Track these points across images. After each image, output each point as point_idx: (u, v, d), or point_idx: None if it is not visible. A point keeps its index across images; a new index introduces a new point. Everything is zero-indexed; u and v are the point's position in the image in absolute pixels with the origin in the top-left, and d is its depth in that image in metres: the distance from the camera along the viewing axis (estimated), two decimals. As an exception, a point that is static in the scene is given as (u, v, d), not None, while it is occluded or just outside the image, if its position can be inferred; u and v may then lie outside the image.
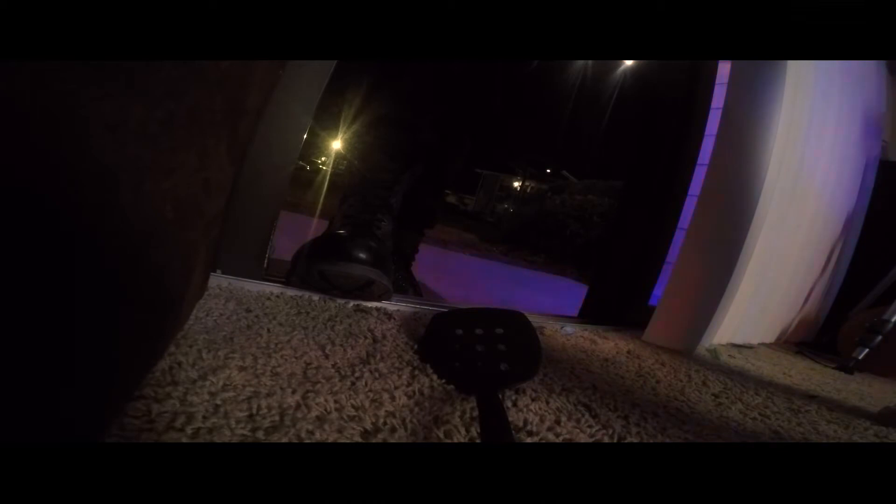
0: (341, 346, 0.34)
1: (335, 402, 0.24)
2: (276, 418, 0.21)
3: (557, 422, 0.29)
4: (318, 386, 0.26)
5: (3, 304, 0.11)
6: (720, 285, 0.65)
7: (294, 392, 0.24)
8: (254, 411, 0.21)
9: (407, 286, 0.73)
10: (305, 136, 0.48)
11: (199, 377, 0.23)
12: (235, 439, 0.19)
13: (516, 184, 10.68)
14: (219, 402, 0.21)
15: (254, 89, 0.21)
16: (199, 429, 0.19)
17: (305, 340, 0.33)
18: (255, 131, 0.22)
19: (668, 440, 0.31)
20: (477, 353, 0.35)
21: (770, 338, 1.03)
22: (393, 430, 0.23)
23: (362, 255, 0.46)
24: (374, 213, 0.55)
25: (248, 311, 0.37)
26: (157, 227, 0.15)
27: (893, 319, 0.87)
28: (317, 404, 0.23)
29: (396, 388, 0.28)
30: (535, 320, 0.56)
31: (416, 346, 0.38)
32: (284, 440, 0.20)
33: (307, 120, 0.48)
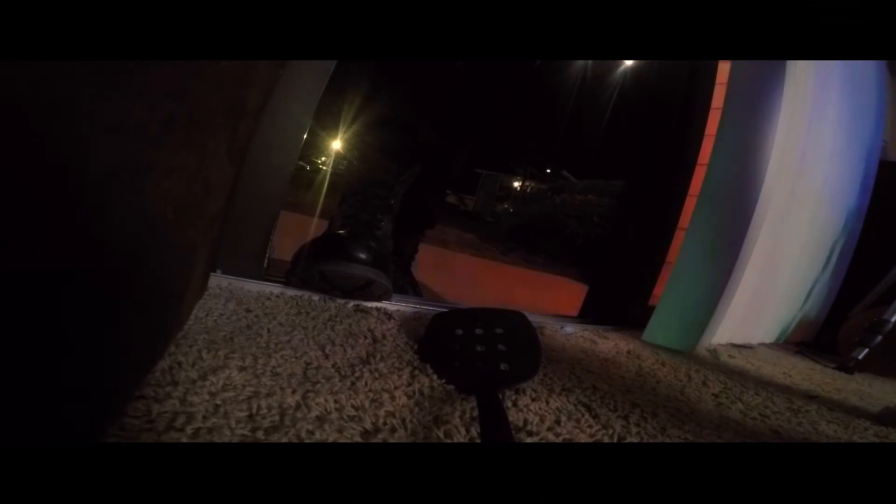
0: (341, 346, 0.34)
1: (335, 402, 0.24)
2: (276, 418, 0.21)
3: (557, 422, 0.29)
4: (318, 386, 0.26)
5: (3, 305, 0.11)
6: (720, 285, 0.65)
7: (294, 392, 0.24)
8: (254, 411, 0.21)
9: (407, 286, 0.73)
10: (305, 136, 0.48)
11: (199, 377, 0.23)
12: (235, 439, 0.19)
13: (516, 184, 10.67)
14: (219, 402, 0.21)
15: (254, 89, 0.21)
16: (199, 429, 0.19)
17: (305, 340, 0.33)
18: (255, 131, 0.22)
19: (668, 440, 0.31)
20: (477, 353, 0.35)
21: (770, 338, 1.03)
22: (393, 430, 0.23)
23: (362, 256, 0.46)
24: (374, 213, 0.55)
25: (248, 311, 0.37)
26: (157, 227, 0.15)
27: (893, 319, 0.87)
28: (317, 404, 0.23)
29: (396, 388, 0.28)
30: (535, 320, 0.56)
31: (416, 346, 0.38)
32: (284, 440, 0.20)
33: (307, 120, 0.48)
